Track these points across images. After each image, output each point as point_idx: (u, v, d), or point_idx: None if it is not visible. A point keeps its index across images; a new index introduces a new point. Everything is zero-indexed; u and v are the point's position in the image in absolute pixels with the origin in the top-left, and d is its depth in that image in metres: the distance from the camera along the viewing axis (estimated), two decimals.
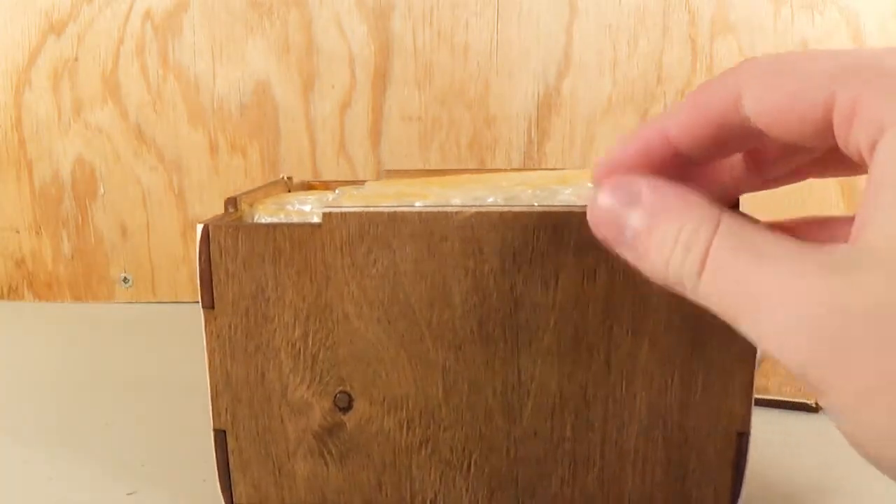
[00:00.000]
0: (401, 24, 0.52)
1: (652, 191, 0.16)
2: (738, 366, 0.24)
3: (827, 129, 0.14)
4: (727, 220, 0.15)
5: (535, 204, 0.24)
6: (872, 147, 0.13)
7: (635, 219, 0.16)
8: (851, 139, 0.14)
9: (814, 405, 0.35)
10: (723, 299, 0.15)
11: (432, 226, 0.23)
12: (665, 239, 0.15)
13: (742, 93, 0.15)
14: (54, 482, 0.30)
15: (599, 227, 0.17)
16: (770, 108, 0.15)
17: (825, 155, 0.18)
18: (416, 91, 0.53)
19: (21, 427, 0.35)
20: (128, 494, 0.28)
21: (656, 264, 0.16)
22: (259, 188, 0.32)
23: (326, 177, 0.54)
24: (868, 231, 0.13)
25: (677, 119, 0.17)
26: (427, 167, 0.54)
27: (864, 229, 0.13)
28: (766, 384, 0.37)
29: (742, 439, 0.24)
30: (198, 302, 0.24)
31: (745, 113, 0.15)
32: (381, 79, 0.53)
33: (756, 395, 0.36)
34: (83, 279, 0.56)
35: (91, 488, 0.29)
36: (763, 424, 0.34)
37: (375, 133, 0.54)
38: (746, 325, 0.14)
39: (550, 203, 0.25)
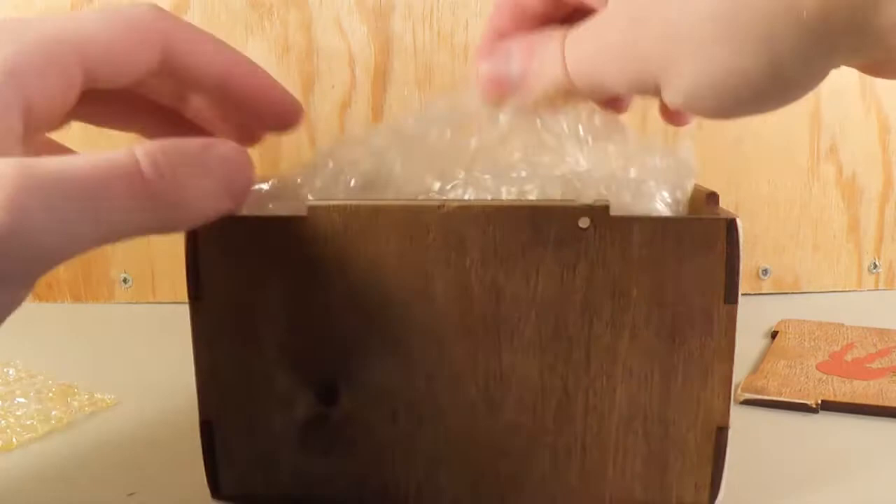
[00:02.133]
0: (401, 25, 0.52)
1: (517, 42, 0.20)
2: (718, 361, 0.24)
3: None
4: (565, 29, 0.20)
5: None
6: None
7: (515, 65, 0.20)
8: None
9: (813, 405, 0.35)
10: (585, 63, 0.19)
11: (415, 219, 0.23)
12: (536, 65, 0.20)
13: None
14: (54, 482, 0.30)
15: (491, 90, 0.21)
16: None
17: None
18: (416, 91, 0.53)
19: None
20: (128, 495, 0.28)
21: (536, 87, 0.20)
22: None
23: None
24: None
25: None
26: None
27: None
28: (766, 385, 0.37)
29: (721, 434, 0.24)
30: None
31: None
32: (381, 79, 0.53)
33: (756, 396, 0.36)
34: (83, 279, 0.56)
35: (91, 488, 0.29)
36: (763, 424, 0.34)
37: None
38: (606, 69, 0.19)
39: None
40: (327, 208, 0.23)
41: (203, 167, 0.18)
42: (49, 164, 0.15)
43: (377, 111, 0.54)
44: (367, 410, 0.25)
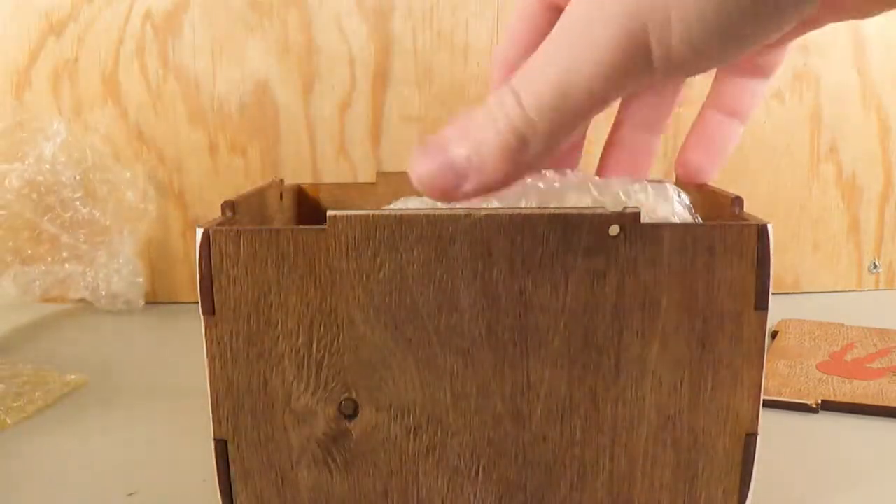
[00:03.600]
0: (401, 25, 0.52)
1: (450, 125, 0.17)
2: (747, 367, 0.23)
3: None
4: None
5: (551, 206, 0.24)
6: None
7: (453, 148, 0.16)
8: None
9: (813, 405, 0.35)
10: (547, 84, 0.16)
11: (440, 229, 0.22)
12: (480, 129, 0.16)
13: None
14: (54, 482, 0.30)
15: (434, 186, 0.17)
16: None
17: None
18: (416, 91, 0.53)
19: (21, 427, 0.35)
20: (128, 495, 0.28)
21: (493, 149, 0.16)
22: (254, 190, 0.31)
23: (327, 178, 0.53)
24: None
25: None
26: None
27: None
28: (766, 384, 0.37)
29: (750, 440, 0.24)
30: (198, 302, 0.23)
31: None
32: (381, 79, 0.52)
33: None
34: None
35: (91, 488, 0.29)
36: (763, 424, 0.34)
37: (375, 134, 0.53)
38: (576, 69, 0.15)
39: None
40: (348, 218, 0.23)
41: None
42: None
43: (377, 112, 0.53)
44: (389, 424, 0.24)
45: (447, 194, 0.17)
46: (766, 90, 0.26)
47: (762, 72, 0.25)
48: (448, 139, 0.17)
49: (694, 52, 0.15)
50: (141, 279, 0.51)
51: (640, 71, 0.15)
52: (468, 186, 0.17)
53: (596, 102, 0.16)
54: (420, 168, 0.17)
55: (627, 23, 0.15)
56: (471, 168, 0.16)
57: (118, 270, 0.49)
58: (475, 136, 0.16)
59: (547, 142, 0.16)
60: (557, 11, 0.18)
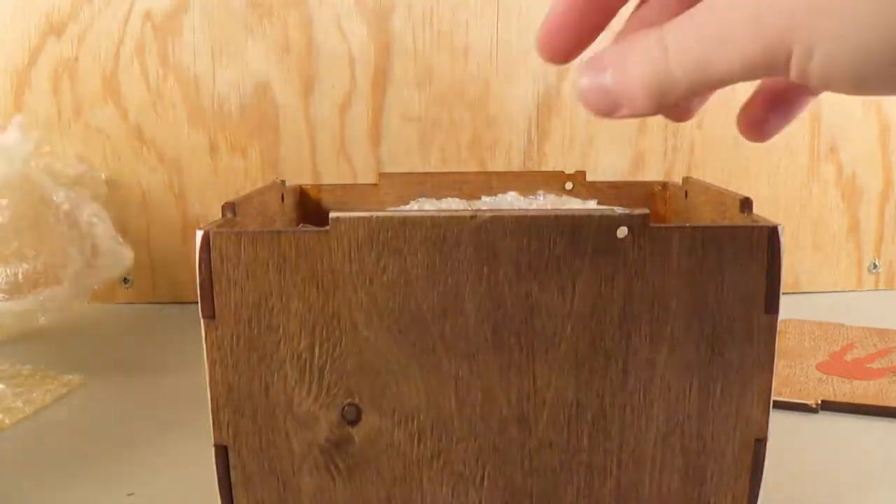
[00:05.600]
0: (401, 25, 0.51)
1: (611, 50, 0.19)
2: (757, 371, 0.23)
3: None
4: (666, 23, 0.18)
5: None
6: None
7: (608, 75, 0.18)
8: None
9: (813, 405, 0.35)
10: (693, 50, 0.17)
11: (445, 231, 0.22)
12: (634, 67, 0.18)
13: None
14: (54, 482, 0.29)
15: (591, 102, 0.19)
16: None
17: None
18: (416, 92, 0.52)
19: (21, 427, 0.34)
20: (128, 495, 0.28)
21: (641, 88, 0.18)
22: (255, 192, 0.31)
23: (327, 178, 0.53)
24: None
25: None
26: (427, 168, 0.53)
27: None
28: None
29: (759, 446, 0.24)
30: (198, 303, 0.23)
31: None
32: (381, 79, 0.52)
33: None
34: None
35: (91, 488, 0.29)
36: None
37: (375, 134, 0.53)
38: (720, 50, 0.16)
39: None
40: (351, 221, 0.22)
41: None
42: None
43: (377, 112, 0.52)
44: (393, 430, 0.23)
45: (602, 113, 0.19)
46: None
47: None
48: (604, 63, 0.18)
49: (826, 85, 0.16)
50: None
51: (777, 73, 0.16)
52: (623, 112, 0.19)
53: (734, 79, 0.17)
54: (582, 82, 0.19)
55: (773, 35, 0.16)
56: (620, 96, 0.18)
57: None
58: (627, 71, 0.18)
59: (685, 94, 0.18)
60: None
